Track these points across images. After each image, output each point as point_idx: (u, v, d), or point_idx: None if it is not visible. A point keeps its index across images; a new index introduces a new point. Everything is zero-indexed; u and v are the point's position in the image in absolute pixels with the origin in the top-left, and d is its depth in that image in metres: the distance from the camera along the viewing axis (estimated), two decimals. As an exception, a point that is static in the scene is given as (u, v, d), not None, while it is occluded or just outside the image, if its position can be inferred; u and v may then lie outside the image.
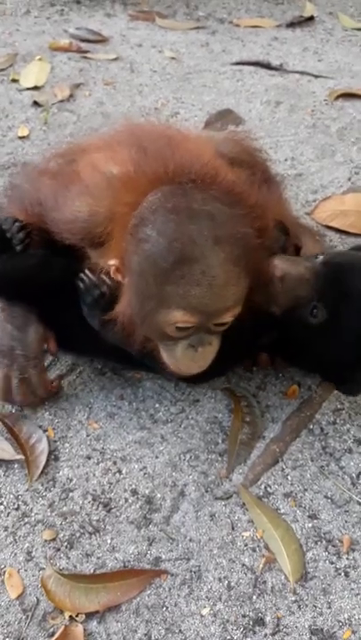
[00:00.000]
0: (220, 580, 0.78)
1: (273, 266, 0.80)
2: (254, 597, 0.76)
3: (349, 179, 1.40)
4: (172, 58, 1.84)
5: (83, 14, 2.07)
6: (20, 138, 1.48)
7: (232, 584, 0.78)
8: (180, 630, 0.74)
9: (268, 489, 0.86)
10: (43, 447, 0.89)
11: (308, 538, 0.82)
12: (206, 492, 0.86)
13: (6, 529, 0.81)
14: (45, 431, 0.92)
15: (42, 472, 0.87)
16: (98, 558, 0.79)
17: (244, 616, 0.75)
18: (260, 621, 0.74)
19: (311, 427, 0.93)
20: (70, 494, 0.85)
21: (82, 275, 0.84)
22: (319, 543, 0.81)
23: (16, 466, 0.88)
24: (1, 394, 0.90)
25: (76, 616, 0.74)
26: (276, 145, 1.49)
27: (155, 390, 0.97)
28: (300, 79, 1.75)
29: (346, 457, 0.90)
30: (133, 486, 0.86)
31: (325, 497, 0.86)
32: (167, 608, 0.75)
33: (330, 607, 0.76)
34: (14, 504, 0.84)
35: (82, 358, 0.99)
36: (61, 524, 0.82)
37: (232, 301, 0.74)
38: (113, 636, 0.73)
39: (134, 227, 0.74)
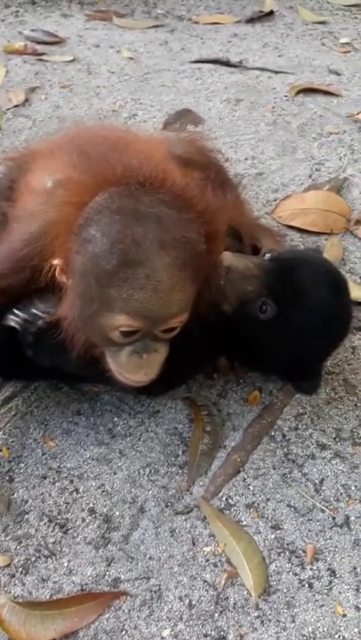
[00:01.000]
0: (180, 598, 0.76)
1: (220, 259, 0.78)
2: (216, 615, 0.74)
3: (310, 176, 1.38)
4: (130, 58, 1.81)
5: (38, 15, 2.03)
6: (-27, 145, 1.44)
7: (193, 602, 0.75)
8: (140, 654, 0.71)
9: (230, 500, 0.84)
10: (-4, 469, 0.86)
11: (270, 549, 0.80)
12: (167, 507, 0.83)
13: None
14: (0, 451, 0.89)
15: (-4, 495, 0.84)
16: (54, 583, 0.77)
17: (205, 635, 0.73)
18: (222, 640, 0.72)
19: (273, 433, 0.91)
20: (25, 516, 0.82)
21: (11, 316, 0.80)
22: (282, 554, 0.79)
23: (-31, 489, 0.85)
24: None
25: (32, 646, 0.71)
26: (236, 144, 1.47)
27: (113, 403, 0.95)
28: (260, 75, 1.73)
29: (309, 463, 0.88)
30: (91, 505, 0.83)
31: (288, 506, 0.84)
32: (127, 632, 0.73)
33: (294, 621, 0.74)
34: (-33, 530, 0.81)
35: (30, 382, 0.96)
36: (16, 548, 0.79)
37: (178, 307, 0.72)
38: (70, 665, 0.71)
39: (79, 227, 0.72)
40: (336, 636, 0.73)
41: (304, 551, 0.80)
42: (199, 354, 0.88)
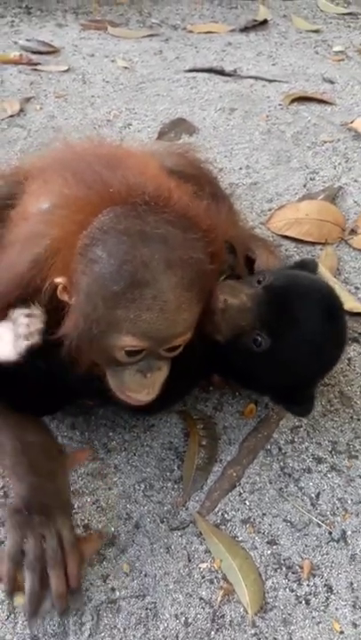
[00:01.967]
0: (176, 616, 0.75)
1: (215, 296, 0.77)
2: (212, 633, 0.74)
3: (305, 185, 1.38)
4: (125, 67, 1.81)
5: (33, 25, 2.03)
6: (-32, 156, 1.44)
7: (189, 620, 0.75)
8: (135, 674, 0.71)
9: (226, 515, 0.84)
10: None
11: (267, 565, 0.79)
12: (162, 522, 0.83)
13: None
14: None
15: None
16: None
17: (202, 654, 0.72)
18: (218, 658, 0.72)
19: (269, 447, 0.91)
20: (20, 534, 0.81)
21: None
22: (279, 570, 0.79)
23: None
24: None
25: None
26: (230, 153, 1.47)
27: (108, 417, 0.94)
28: (254, 84, 1.74)
29: (305, 477, 0.88)
30: (86, 521, 0.83)
31: (285, 520, 0.83)
32: (122, 651, 0.72)
33: (291, 639, 0.73)
34: None
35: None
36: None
37: (183, 327, 0.72)
38: None
39: (84, 246, 0.71)
40: (333, 654, 0.72)
41: (301, 567, 0.79)
42: (196, 370, 0.87)
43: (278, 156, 1.47)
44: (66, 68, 1.79)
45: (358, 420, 0.95)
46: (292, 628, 0.74)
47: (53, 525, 0.72)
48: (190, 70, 1.80)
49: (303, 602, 0.76)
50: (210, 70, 1.80)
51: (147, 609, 0.75)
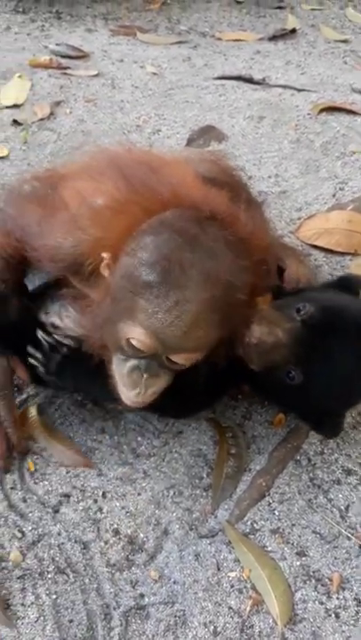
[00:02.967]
0: (205, 625, 0.75)
1: (249, 331, 0.76)
2: (241, 643, 0.73)
3: (334, 195, 1.38)
4: (154, 73, 1.82)
5: (63, 30, 2.05)
6: (-1, 158, 1.46)
7: (218, 629, 0.74)
8: None
9: (255, 525, 0.83)
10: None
11: (296, 577, 0.79)
12: (191, 529, 0.83)
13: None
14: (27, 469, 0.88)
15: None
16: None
17: (230, 664, 0.72)
18: (247, 669, 0.71)
19: (298, 457, 0.91)
20: (46, 535, 0.82)
21: (39, 336, 0.83)
22: (308, 582, 0.78)
23: (-7, 506, 0.84)
24: None
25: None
26: (259, 161, 1.47)
27: (137, 422, 0.94)
28: (282, 93, 1.74)
29: (334, 489, 0.87)
30: (115, 526, 0.83)
31: (314, 532, 0.83)
32: (151, 657, 0.72)
33: (320, 652, 0.73)
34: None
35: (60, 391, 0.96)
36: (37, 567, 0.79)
37: (193, 344, 0.71)
38: None
39: (140, 231, 0.73)
40: (363, 669, 0.71)
41: (330, 579, 0.79)
42: (224, 378, 0.87)
43: (307, 166, 1.46)
44: (95, 72, 1.80)
45: (388, 433, 0.95)
46: (322, 641, 0.74)
47: None
48: (219, 78, 1.81)
49: (333, 615, 0.76)
50: (238, 78, 1.80)
51: (175, 616, 0.75)
